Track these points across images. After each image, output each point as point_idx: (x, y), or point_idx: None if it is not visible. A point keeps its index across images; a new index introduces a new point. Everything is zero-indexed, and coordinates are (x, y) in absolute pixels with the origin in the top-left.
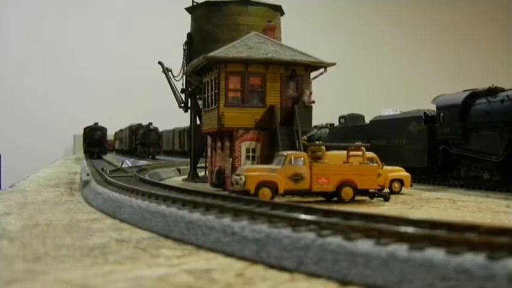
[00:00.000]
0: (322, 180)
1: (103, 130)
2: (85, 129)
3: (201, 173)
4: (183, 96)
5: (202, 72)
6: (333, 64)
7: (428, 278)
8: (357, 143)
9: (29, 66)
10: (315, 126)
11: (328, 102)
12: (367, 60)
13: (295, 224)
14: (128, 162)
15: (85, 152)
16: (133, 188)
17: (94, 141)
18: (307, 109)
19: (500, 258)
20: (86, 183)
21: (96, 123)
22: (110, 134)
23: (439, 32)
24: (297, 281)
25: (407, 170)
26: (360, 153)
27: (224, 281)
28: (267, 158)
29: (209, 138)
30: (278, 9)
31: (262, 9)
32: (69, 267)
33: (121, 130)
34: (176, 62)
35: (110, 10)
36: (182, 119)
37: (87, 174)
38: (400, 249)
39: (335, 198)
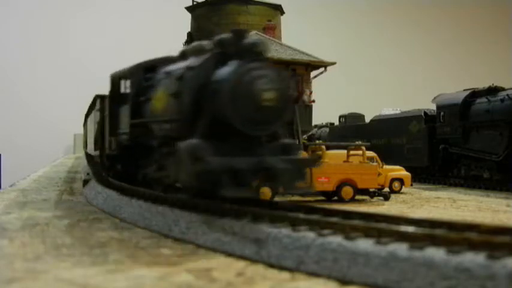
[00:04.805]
0: (322, 180)
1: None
2: (114, 77)
3: None
4: None
5: None
6: (333, 63)
7: (428, 277)
8: (357, 142)
9: (29, 66)
10: (315, 126)
11: (328, 102)
12: (367, 59)
13: (296, 223)
14: None
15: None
16: (134, 188)
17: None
18: (307, 108)
19: (500, 258)
20: (86, 183)
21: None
22: None
23: (439, 31)
24: (298, 280)
25: (408, 169)
26: (360, 152)
27: (225, 280)
28: None
29: None
30: (278, 9)
31: (262, 8)
32: (70, 267)
33: None
34: None
35: (110, 9)
36: None
37: (87, 174)
38: (400, 249)
39: (335, 198)
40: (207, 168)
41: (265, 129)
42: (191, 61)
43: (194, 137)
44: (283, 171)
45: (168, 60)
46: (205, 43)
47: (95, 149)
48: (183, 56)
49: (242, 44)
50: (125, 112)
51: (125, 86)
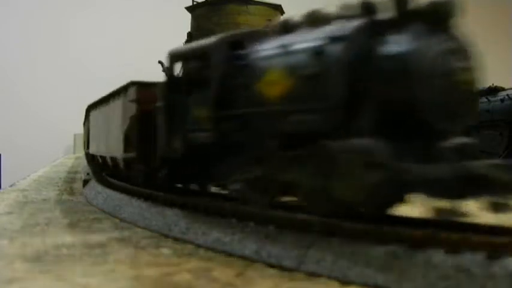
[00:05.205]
0: None
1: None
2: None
3: None
4: None
5: None
6: None
7: (428, 277)
8: None
9: (29, 66)
10: None
11: None
12: None
13: (296, 223)
14: None
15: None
16: (134, 188)
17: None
18: None
19: (500, 258)
20: (86, 183)
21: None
22: None
23: None
24: (297, 280)
25: None
26: None
27: (225, 280)
28: None
29: None
30: (278, 9)
31: (262, 8)
32: (70, 266)
33: None
34: None
35: (110, 9)
36: None
37: (87, 174)
38: (400, 249)
39: None
40: (405, 179)
41: (460, 121)
42: (331, 30)
43: (357, 134)
44: (502, 182)
45: (257, 34)
46: (320, 9)
47: (126, 150)
48: (285, 27)
49: (412, 8)
50: (201, 101)
51: (199, 68)
